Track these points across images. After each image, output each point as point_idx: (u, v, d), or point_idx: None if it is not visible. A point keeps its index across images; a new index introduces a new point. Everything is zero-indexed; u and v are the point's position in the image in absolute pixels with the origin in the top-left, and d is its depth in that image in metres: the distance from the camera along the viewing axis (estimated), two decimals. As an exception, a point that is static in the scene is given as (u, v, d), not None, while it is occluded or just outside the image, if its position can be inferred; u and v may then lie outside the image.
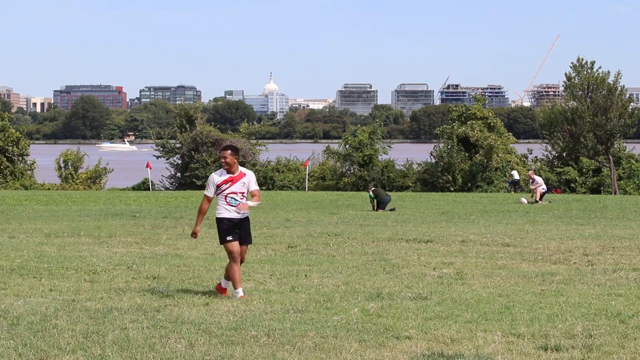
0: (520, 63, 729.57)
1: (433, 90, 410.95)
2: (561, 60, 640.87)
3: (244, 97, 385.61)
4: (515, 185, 58.08)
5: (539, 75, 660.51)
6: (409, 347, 9.28)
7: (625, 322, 10.53)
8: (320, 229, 24.32)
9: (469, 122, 63.49)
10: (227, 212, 12.25)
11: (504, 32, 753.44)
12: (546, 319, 10.72)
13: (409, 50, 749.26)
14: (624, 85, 62.09)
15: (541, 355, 8.98)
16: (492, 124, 65.02)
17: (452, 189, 59.29)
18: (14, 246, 19.36)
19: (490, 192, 57.37)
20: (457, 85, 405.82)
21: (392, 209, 33.64)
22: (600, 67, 61.68)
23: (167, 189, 64.24)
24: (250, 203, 12.40)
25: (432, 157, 63.24)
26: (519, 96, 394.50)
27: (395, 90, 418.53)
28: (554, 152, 67.13)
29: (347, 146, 64.48)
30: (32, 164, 67.49)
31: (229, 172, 12.28)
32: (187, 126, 66.22)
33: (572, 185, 62.91)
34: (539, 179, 40.37)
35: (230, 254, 12.33)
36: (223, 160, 12.26)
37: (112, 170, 66.44)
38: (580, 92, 61.53)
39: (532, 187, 40.43)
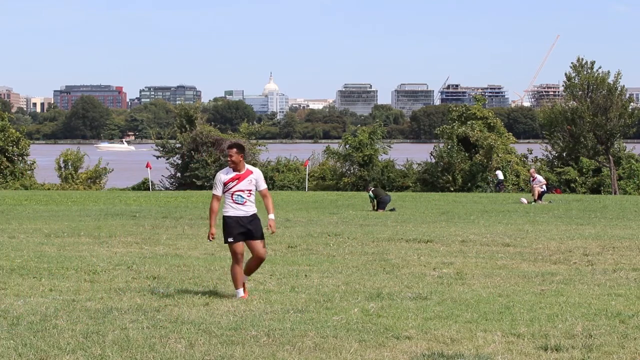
0: (520, 63, 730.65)
1: (433, 90, 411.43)
2: (561, 60, 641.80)
3: (244, 97, 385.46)
4: (499, 186, 57.84)
5: (539, 75, 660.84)
6: (409, 347, 9.28)
7: (625, 322, 10.53)
8: (320, 229, 24.31)
9: (469, 122, 63.53)
10: (233, 210, 12.21)
11: (504, 32, 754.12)
12: (546, 319, 10.71)
13: (409, 50, 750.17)
14: (624, 85, 62.08)
15: (541, 355, 8.98)
16: (492, 124, 65.09)
17: (452, 189, 59.29)
18: (14, 246, 19.36)
19: (490, 192, 57.35)
20: (457, 85, 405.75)
21: (392, 209, 33.63)
22: (600, 67, 61.72)
23: (167, 189, 64.24)
24: (271, 216, 12.38)
25: (432, 157, 63.25)
26: (519, 96, 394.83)
27: (395, 90, 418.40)
28: (554, 152, 67.13)
29: (347, 146, 64.50)
30: (32, 164, 67.48)
31: (235, 170, 12.24)
32: (187, 126, 66.23)
33: (572, 185, 62.92)
34: (540, 178, 40.29)
35: (232, 254, 12.32)
36: (229, 159, 12.22)
37: (112, 170, 66.45)
38: (580, 92, 61.49)
39: (532, 185, 40.29)
